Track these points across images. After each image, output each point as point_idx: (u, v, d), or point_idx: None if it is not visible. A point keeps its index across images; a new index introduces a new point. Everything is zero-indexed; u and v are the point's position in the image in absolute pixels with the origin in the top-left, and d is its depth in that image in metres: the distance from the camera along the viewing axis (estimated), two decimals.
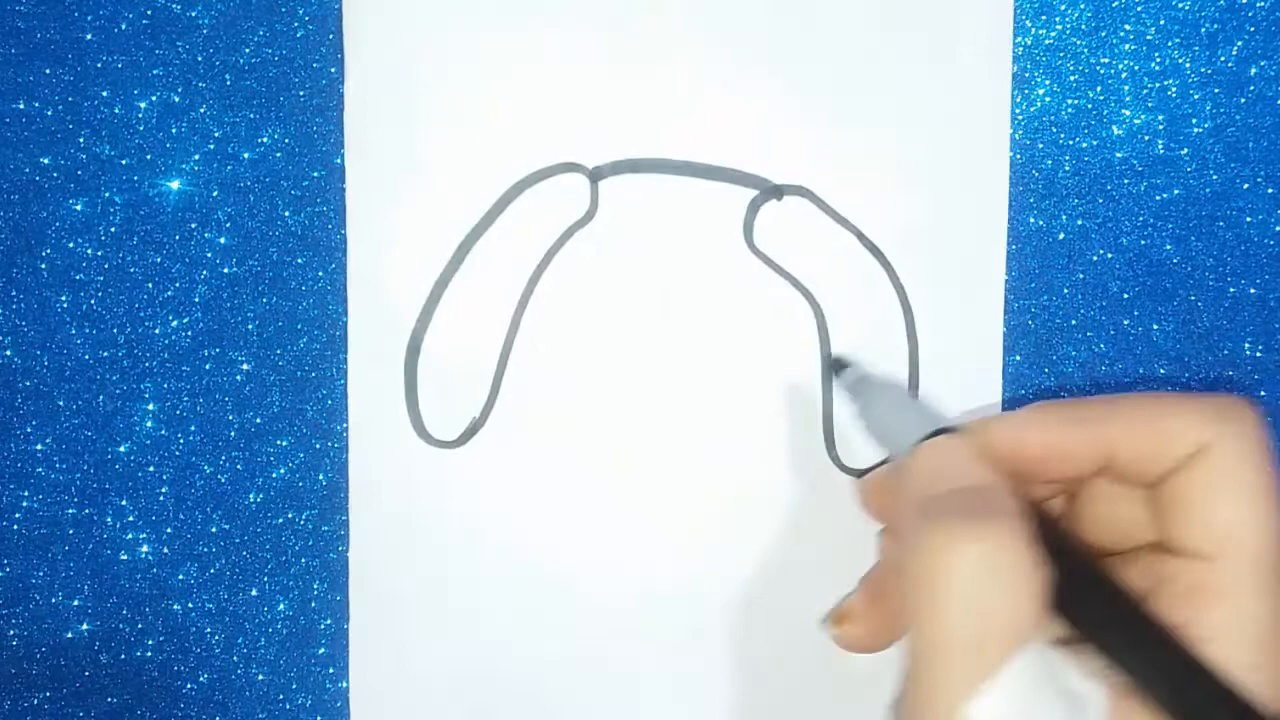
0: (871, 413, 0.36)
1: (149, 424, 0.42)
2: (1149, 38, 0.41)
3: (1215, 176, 0.41)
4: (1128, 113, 0.42)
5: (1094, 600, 0.30)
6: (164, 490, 0.42)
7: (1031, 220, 0.42)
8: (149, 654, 0.42)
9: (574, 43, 0.41)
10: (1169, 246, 0.42)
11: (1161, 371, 0.42)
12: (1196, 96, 0.42)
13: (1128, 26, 0.42)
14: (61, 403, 0.42)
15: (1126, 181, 0.42)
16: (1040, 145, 0.42)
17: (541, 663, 0.42)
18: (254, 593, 0.42)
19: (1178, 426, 0.32)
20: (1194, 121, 0.42)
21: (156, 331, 0.42)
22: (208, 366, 0.42)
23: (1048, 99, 0.42)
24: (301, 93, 0.41)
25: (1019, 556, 0.28)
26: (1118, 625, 0.30)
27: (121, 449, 0.42)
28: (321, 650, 0.42)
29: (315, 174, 0.42)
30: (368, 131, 0.41)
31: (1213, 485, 0.31)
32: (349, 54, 0.41)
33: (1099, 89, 0.42)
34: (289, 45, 0.41)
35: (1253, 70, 0.41)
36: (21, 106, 0.41)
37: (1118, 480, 0.34)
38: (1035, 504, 0.31)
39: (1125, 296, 0.42)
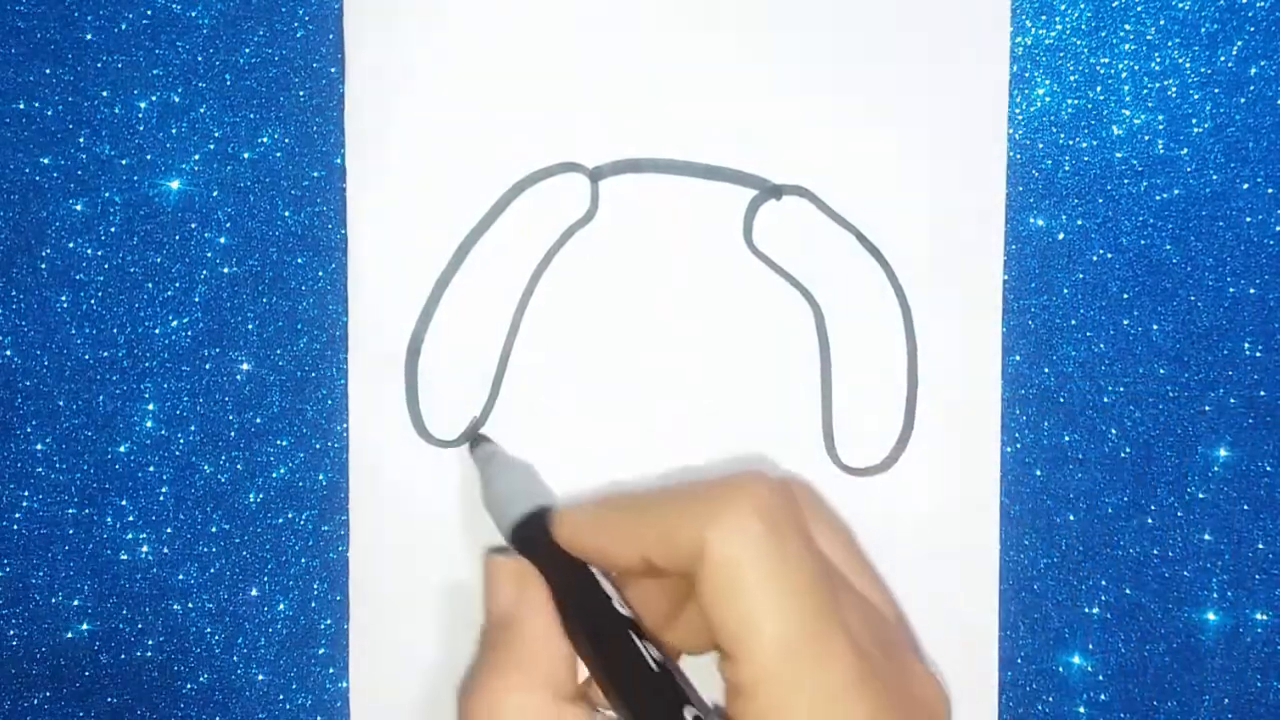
0: (489, 490, 0.39)
1: (149, 424, 0.42)
2: (1149, 38, 0.42)
3: (1215, 176, 0.41)
4: (1128, 113, 0.42)
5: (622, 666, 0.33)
6: (164, 490, 0.42)
7: (1031, 220, 0.42)
8: (149, 654, 0.42)
9: (574, 43, 0.41)
10: (1169, 246, 0.42)
11: (1161, 371, 0.42)
12: (1196, 96, 0.42)
13: (1128, 26, 0.42)
14: (61, 403, 0.42)
15: (1126, 181, 0.42)
16: (1040, 145, 0.42)
17: None
18: (254, 593, 0.42)
19: (683, 532, 0.31)
20: (1194, 121, 0.42)
21: (156, 331, 0.42)
22: (208, 366, 0.42)
23: (1047, 99, 0.42)
24: (301, 93, 0.42)
25: (542, 692, 0.33)
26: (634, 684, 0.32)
27: (121, 449, 0.42)
28: (321, 650, 0.42)
29: (315, 174, 0.42)
30: (368, 132, 0.41)
31: (713, 588, 0.30)
32: (350, 54, 0.41)
33: (1099, 89, 0.42)
34: (289, 45, 0.41)
35: (1253, 70, 0.41)
36: (21, 106, 0.41)
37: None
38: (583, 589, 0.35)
39: (1125, 296, 0.42)
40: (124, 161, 0.41)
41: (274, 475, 0.42)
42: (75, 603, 0.42)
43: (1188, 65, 0.41)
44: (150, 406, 0.42)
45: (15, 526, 0.42)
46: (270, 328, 0.42)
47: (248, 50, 0.41)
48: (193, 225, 0.41)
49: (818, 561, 0.31)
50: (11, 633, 0.42)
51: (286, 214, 0.42)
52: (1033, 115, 0.42)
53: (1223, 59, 0.41)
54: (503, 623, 0.35)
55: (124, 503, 0.42)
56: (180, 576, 0.42)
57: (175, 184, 0.41)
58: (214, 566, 0.42)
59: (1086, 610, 0.42)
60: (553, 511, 0.36)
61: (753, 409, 0.41)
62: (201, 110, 0.41)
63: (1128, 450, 0.42)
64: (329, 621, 0.42)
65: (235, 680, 0.42)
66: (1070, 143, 0.42)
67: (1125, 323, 0.42)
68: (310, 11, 0.41)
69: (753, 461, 0.41)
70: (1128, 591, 0.42)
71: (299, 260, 0.42)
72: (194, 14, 0.41)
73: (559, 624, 0.34)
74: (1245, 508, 0.42)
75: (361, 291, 0.41)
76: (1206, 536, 0.42)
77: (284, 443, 0.42)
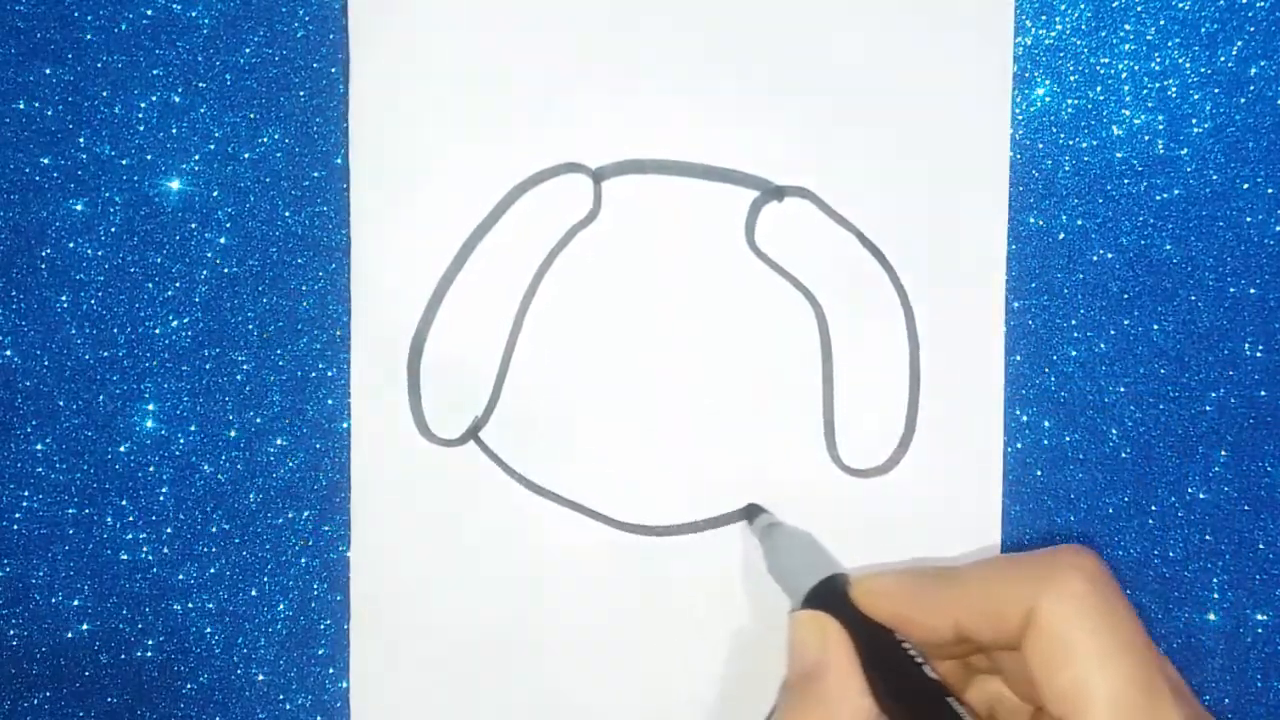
0: (775, 560, 0.39)
1: (149, 424, 0.42)
2: (1149, 38, 0.42)
3: (1215, 176, 0.42)
4: (1128, 113, 0.42)
5: None
6: (164, 490, 0.42)
7: (1031, 220, 0.42)
8: (149, 654, 0.42)
9: (577, 44, 0.41)
10: (1169, 246, 0.42)
11: (1162, 371, 0.42)
12: (1196, 96, 0.42)
13: (1128, 26, 0.42)
14: (61, 403, 0.42)
15: (1126, 181, 0.42)
16: (1040, 145, 0.42)
17: (542, 662, 0.42)
18: (254, 593, 0.42)
19: (1007, 596, 0.32)
20: (1194, 121, 0.42)
21: (156, 331, 0.42)
22: (208, 366, 0.42)
23: (1048, 99, 0.42)
24: (301, 93, 0.41)
25: None
26: None
27: (121, 449, 0.42)
28: (321, 650, 0.42)
29: (315, 174, 0.41)
30: (371, 132, 0.41)
31: (1043, 651, 0.31)
32: (353, 54, 0.41)
33: (1099, 89, 0.42)
34: (289, 45, 0.41)
35: (1253, 70, 0.41)
36: (21, 106, 0.41)
37: (983, 648, 0.35)
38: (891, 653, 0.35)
39: (1125, 296, 0.42)
40: (124, 161, 0.41)
41: (274, 475, 0.42)
42: (75, 603, 0.42)
43: (1188, 65, 0.42)
44: (150, 406, 0.42)
45: (15, 526, 0.42)
46: (270, 328, 0.42)
47: (248, 50, 0.41)
48: (193, 225, 0.41)
49: (1142, 627, 0.32)
50: (11, 633, 0.42)
51: (287, 214, 0.42)
52: (1033, 115, 0.42)
53: (1223, 59, 0.41)
54: (806, 674, 0.35)
55: (124, 503, 0.42)
56: (180, 576, 0.42)
57: (175, 184, 0.41)
58: (214, 566, 0.42)
59: None
60: (850, 578, 0.36)
61: (754, 409, 0.41)
62: (201, 110, 0.41)
63: (1128, 450, 0.42)
64: (329, 621, 0.42)
65: (235, 680, 0.42)
66: (1070, 143, 0.42)
67: (1125, 323, 0.42)
68: (310, 11, 0.41)
69: (753, 460, 0.41)
70: (1128, 592, 0.42)
71: (299, 260, 0.42)
72: (194, 14, 0.41)
73: (862, 679, 0.34)
74: (1245, 508, 0.42)
75: (364, 291, 0.41)
76: (1206, 536, 0.42)
77: (284, 443, 0.42)
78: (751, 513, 0.41)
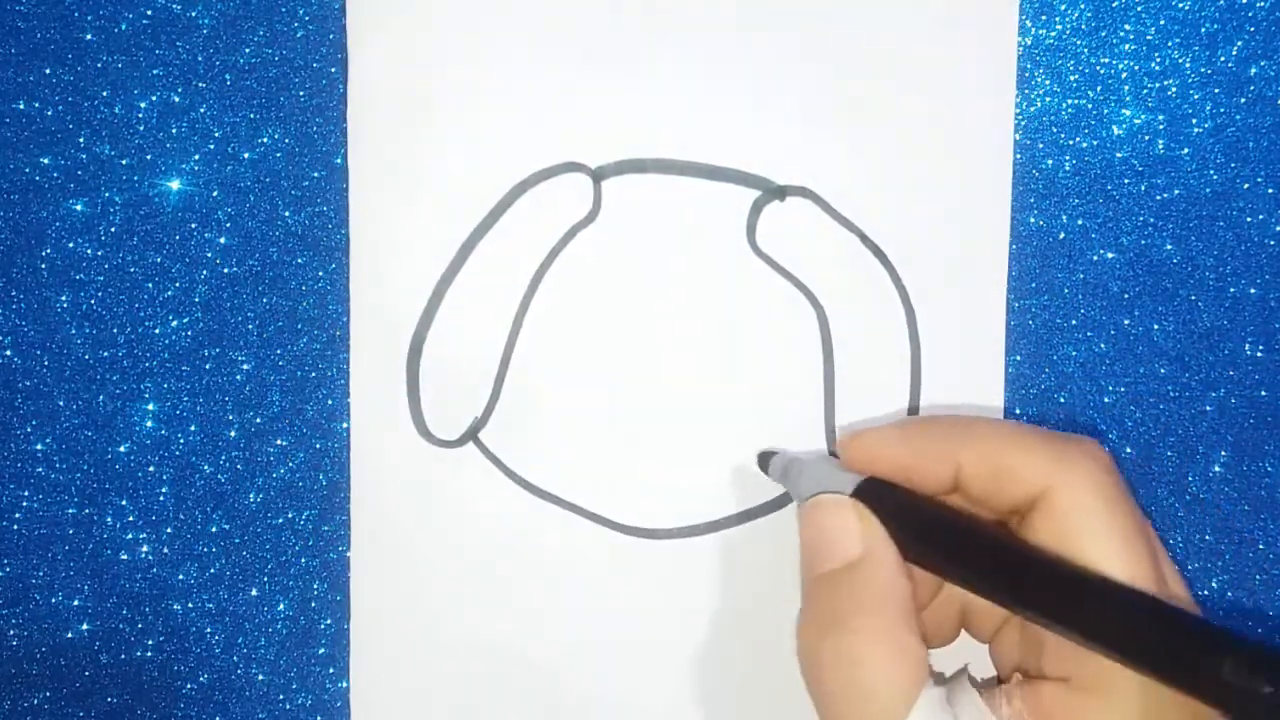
0: (801, 488, 0.37)
1: (149, 424, 0.42)
2: (1149, 38, 0.42)
3: (1215, 176, 0.42)
4: (1128, 113, 0.42)
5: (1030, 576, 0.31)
6: (164, 490, 0.42)
7: (1032, 220, 0.42)
8: (149, 654, 0.42)
9: (577, 43, 0.41)
10: (1169, 246, 0.42)
11: (1162, 371, 0.42)
12: (1196, 96, 0.42)
13: (1128, 26, 0.42)
14: (61, 403, 0.42)
15: (1126, 181, 0.42)
16: (1040, 145, 0.42)
17: (542, 662, 0.42)
18: (254, 593, 0.42)
19: (1020, 465, 0.32)
20: (1194, 121, 0.42)
21: (156, 331, 0.42)
22: (208, 366, 0.42)
23: (1048, 99, 0.42)
24: (301, 93, 0.41)
25: (885, 641, 0.32)
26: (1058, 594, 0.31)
27: (121, 449, 0.42)
28: (321, 650, 0.42)
29: (315, 174, 0.41)
30: (370, 131, 0.41)
31: (1056, 533, 0.31)
32: (352, 54, 0.41)
33: (1099, 89, 0.42)
34: (289, 45, 0.41)
35: (1253, 70, 0.41)
36: (21, 106, 0.41)
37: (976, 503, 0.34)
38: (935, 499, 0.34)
39: (1125, 296, 0.42)
40: (124, 161, 0.41)
41: (274, 475, 0.42)
42: (75, 603, 0.42)
43: (1188, 65, 0.42)
44: (150, 406, 0.42)
45: (15, 526, 0.42)
46: (270, 328, 0.42)
47: (248, 50, 0.41)
48: (193, 225, 0.41)
49: (1149, 525, 0.32)
50: (11, 633, 0.42)
51: (286, 214, 0.42)
52: (1033, 115, 0.42)
53: (1223, 59, 0.41)
54: (852, 565, 0.34)
55: (124, 503, 0.42)
56: (180, 576, 0.42)
57: (175, 184, 0.41)
58: (214, 566, 0.42)
59: None
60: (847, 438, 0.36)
61: (755, 410, 0.41)
62: (201, 110, 0.41)
63: (1128, 450, 0.42)
64: (329, 621, 0.42)
65: (235, 680, 0.42)
66: (1070, 143, 0.42)
67: (1125, 323, 0.42)
68: (310, 11, 0.41)
69: (754, 460, 0.41)
70: None
71: (299, 260, 0.42)
72: (194, 14, 0.41)
73: (904, 565, 0.34)
74: (1245, 508, 0.42)
75: (364, 291, 0.41)
76: (1206, 536, 0.42)
77: (284, 443, 0.42)
78: (763, 460, 0.40)
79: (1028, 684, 0.32)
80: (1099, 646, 0.29)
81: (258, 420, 0.42)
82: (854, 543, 0.34)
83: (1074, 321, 0.42)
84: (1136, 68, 0.42)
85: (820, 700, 0.33)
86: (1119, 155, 0.42)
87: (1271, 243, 0.42)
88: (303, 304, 0.42)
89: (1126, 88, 0.42)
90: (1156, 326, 0.42)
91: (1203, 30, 0.41)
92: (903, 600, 0.33)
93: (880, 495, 0.34)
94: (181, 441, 0.42)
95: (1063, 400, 0.42)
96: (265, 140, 0.41)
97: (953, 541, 0.33)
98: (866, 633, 0.32)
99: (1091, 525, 0.31)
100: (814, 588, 0.34)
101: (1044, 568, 0.31)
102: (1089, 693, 0.30)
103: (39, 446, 0.42)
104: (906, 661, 0.32)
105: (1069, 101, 0.42)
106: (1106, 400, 0.42)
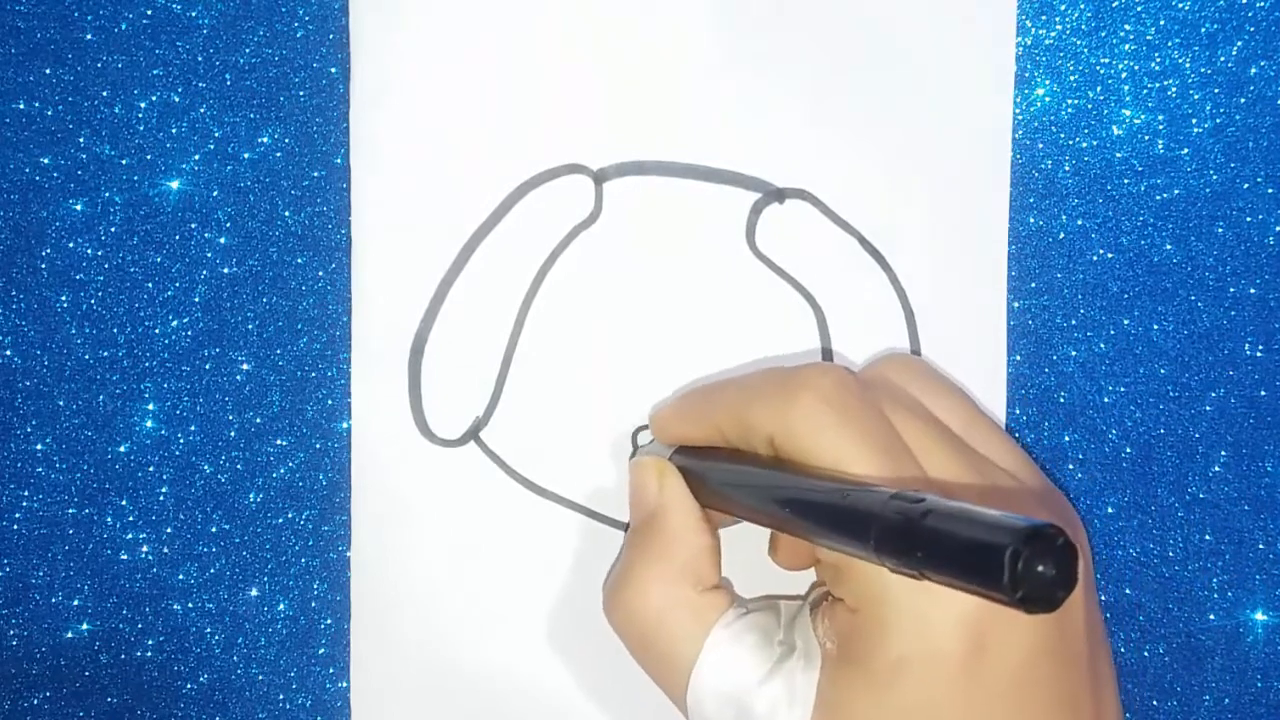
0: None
1: (149, 424, 0.42)
2: (1149, 38, 0.42)
3: (1215, 176, 0.42)
4: (1128, 113, 0.42)
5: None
6: (164, 490, 0.42)
7: (1031, 220, 0.42)
8: (149, 654, 0.42)
9: (579, 45, 0.41)
10: (1169, 246, 0.42)
11: (1162, 371, 0.42)
12: (1196, 96, 0.42)
13: (1128, 26, 0.42)
14: (61, 403, 0.42)
15: (1126, 181, 0.42)
16: (1040, 145, 0.42)
17: (542, 662, 0.42)
18: (254, 593, 0.42)
19: (753, 414, 0.33)
20: (1194, 121, 0.42)
21: (156, 331, 0.42)
22: (208, 366, 0.42)
23: (1048, 99, 0.42)
24: (301, 93, 0.41)
25: (665, 586, 0.35)
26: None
27: (121, 449, 0.42)
28: (321, 650, 0.42)
29: (315, 174, 0.41)
30: (372, 131, 0.41)
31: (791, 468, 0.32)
32: (353, 54, 0.41)
33: (1099, 89, 0.42)
34: (289, 45, 0.41)
35: (1253, 70, 0.41)
36: (21, 106, 0.41)
37: None
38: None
39: (1125, 296, 0.42)
40: (124, 161, 0.41)
41: (274, 475, 0.42)
42: (75, 603, 0.42)
43: (1188, 65, 0.42)
44: (150, 406, 0.42)
45: (15, 526, 0.42)
46: (270, 328, 0.42)
47: (248, 50, 0.41)
48: (193, 225, 0.41)
49: (890, 432, 0.32)
50: (11, 633, 0.42)
51: (286, 214, 0.42)
52: (1033, 115, 0.42)
53: (1223, 59, 0.42)
54: (646, 517, 0.37)
55: (124, 503, 0.42)
56: (180, 576, 0.42)
57: (175, 184, 0.41)
58: (214, 566, 0.42)
59: None
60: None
61: None
62: (201, 110, 0.41)
63: (1128, 450, 0.42)
64: (329, 621, 0.42)
65: (235, 680, 0.42)
66: (1070, 143, 0.42)
67: (1125, 323, 0.42)
68: (310, 11, 0.41)
69: None
70: (1128, 591, 0.42)
71: (299, 260, 0.42)
72: (194, 14, 0.41)
73: (699, 515, 0.36)
74: (1245, 508, 0.42)
75: (365, 291, 0.41)
76: (1206, 536, 0.42)
77: (284, 443, 0.42)
78: (635, 438, 0.42)
79: (830, 604, 0.33)
80: (821, 541, 0.30)
81: (258, 420, 0.42)
82: (652, 496, 0.37)
83: (1074, 321, 0.42)
84: (1136, 68, 0.42)
85: (628, 649, 0.36)
86: (1119, 155, 0.42)
87: (1271, 243, 0.42)
88: (303, 304, 0.42)
89: (1126, 88, 0.42)
90: (1156, 326, 0.42)
91: (1203, 30, 0.41)
92: (690, 549, 0.35)
93: (686, 456, 0.37)
94: (181, 441, 0.42)
95: (1063, 400, 0.42)
96: (265, 140, 0.41)
97: (730, 485, 0.35)
98: (648, 582, 0.35)
99: (806, 448, 0.32)
100: (625, 543, 0.38)
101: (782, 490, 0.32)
102: (856, 612, 0.31)
103: (39, 446, 0.42)
104: (687, 607, 0.34)
105: (1069, 101, 0.42)
106: (1106, 400, 0.42)
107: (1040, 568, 0.22)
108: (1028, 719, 0.30)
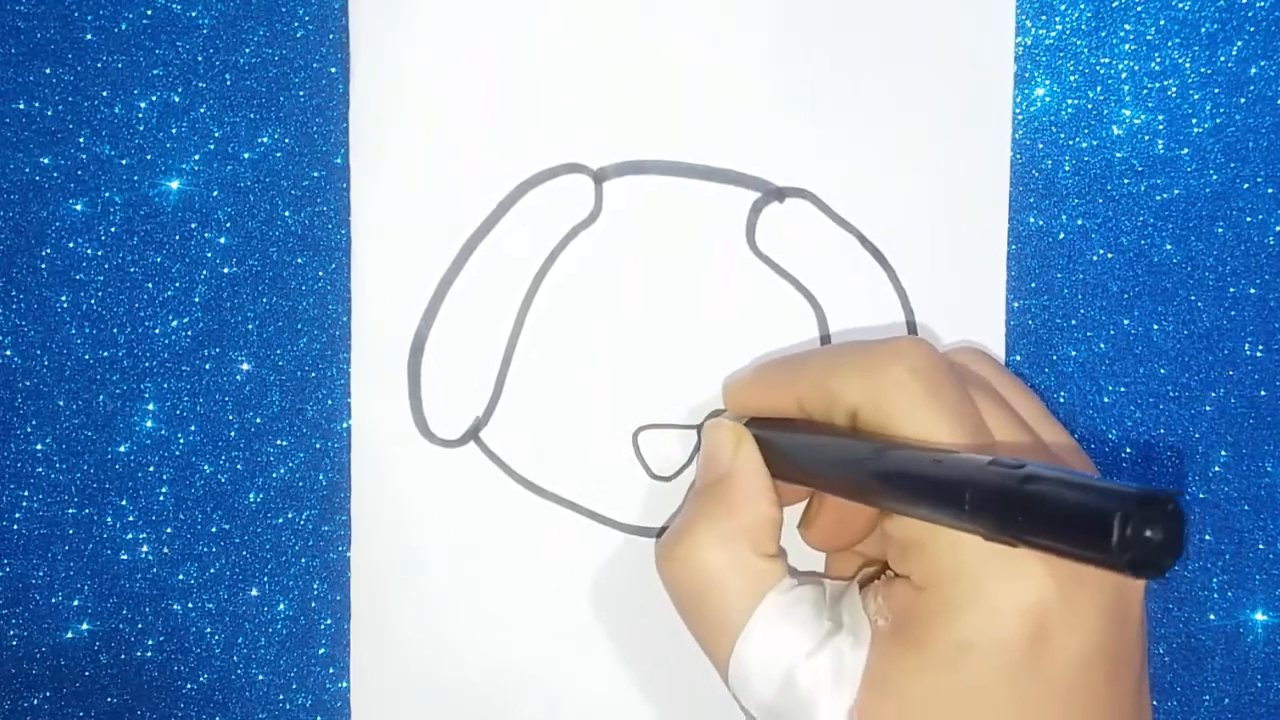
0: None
1: (149, 424, 0.42)
2: (1149, 38, 0.42)
3: (1215, 176, 0.42)
4: (1128, 113, 0.42)
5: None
6: (164, 490, 0.42)
7: (1031, 220, 0.42)
8: (149, 654, 0.42)
9: (579, 44, 0.41)
10: (1169, 246, 0.42)
11: (1162, 371, 0.42)
12: (1196, 96, 0.42)
13: (1128, 26, 0.42)
14: (61, 403, 0.42)
15: (1126, 181, 0.42)
16: (1040, 145, 0.42)
17: (542, 662, 0.42)
18: (254, 593, 0.42)
19: (837, 384, 0.33)
20: (1194, 121, 0.42)
21: (156, 331, 0.42)
22: (208, 366, 0.42)
23: (1048, 99, 0.42)
24: (301, 93, 0.41)
25: (724, 548, 0.34)
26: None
27: (121, 449, 0.42)
28: (321, 650, 0.42)
29: (315, 174, 0.41)
30: (372, 131, 0.41)
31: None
32: (353, 54, 0.41)
33: (1099, 89, 0.42)
34: (289, 45, 0.41)
35: (1253, 70, 0.41)
36: (21, 106, 0.41)
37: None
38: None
39: (1125, 296, 0.42)
40: (124, 161, 0.41)
41: (274, 475, 0.42)
42: (75, 603, 0.42)
43: (1188, 65, 0.42)
44: (150, 406, 0.42)
45: (15, 526, 0.42)
46: (270, 328, 0.42)
47: (248, 50, 0.41)
48: (193, 225, 0.41)
49: (975, 409, 0.32)
50: (11, 633, 0.42)
51: (286, 214, 0.42)
52: (1033, 115, 0.42)
53: (1223, 59, 0.42)
54: (716, 479, 0.36)
55: (124, 503, 0.42)
56: (180, 576, 0.42)
57: (175, 184, 0.41)
58: (214, 566, 0.42)
59: None
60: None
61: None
62: (201, 110, 0.41)
63: (1128, 450, 0.42)
64: (329, 621, 0.42)
65: (235, 680, 0.42)
66: (1070, 143, 0.42)
67: (1125, 323, 0.42)
68: (310, 11, 0.41)
69: None
70: None
71: (299, 260, 0.42)
72: (194, 14, 0.41)
73: (770, 484, 0.36)
74: (1245, 508, 0.42)
75: (365, 291, 0.41)
76: (1206, 536, 0.42)
77: (284, 443, 0.42)
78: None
79: (886, 582, 0.33)
80: (907, 511, 0.30)
81: (258, 420, 0.42)
82: (726, 459, 0.36)
83: (1074, 321, 0.42)
84: (1136, 68, 0.42)
85: (676, 605, 0.36)
86: (1119, 155, 0.42)
87: (1271, 243, 0.42)
88: (303, 304, 0.42)
89: (1126, 88, 0.42)
90: (1156, 326, 0.42)
91: (1203, 30, 0.42)
92: (756, 514, 0.35)
93: (759, 428, 0.37)
94: (181, 441, 0.42)
95: (1063, 400, 0.42)
96: (265, 140, 0.41)
97: (810, 454, 0.34)
98: (708, 538, 0.35)
99: (893, 419, 0.31)
100: (688, 501, 0.37)
101: (868, 463, 0.31)
102: (922, 590, 0.31)
103: (39, 446, 0.42)
104: (743, 571, 0.34)
105: (1069, 101, 0.42)
106: (1106, 400, 0.42)
107: (1149, 532, 0.22)
108: (1077, 718, 0.30)
